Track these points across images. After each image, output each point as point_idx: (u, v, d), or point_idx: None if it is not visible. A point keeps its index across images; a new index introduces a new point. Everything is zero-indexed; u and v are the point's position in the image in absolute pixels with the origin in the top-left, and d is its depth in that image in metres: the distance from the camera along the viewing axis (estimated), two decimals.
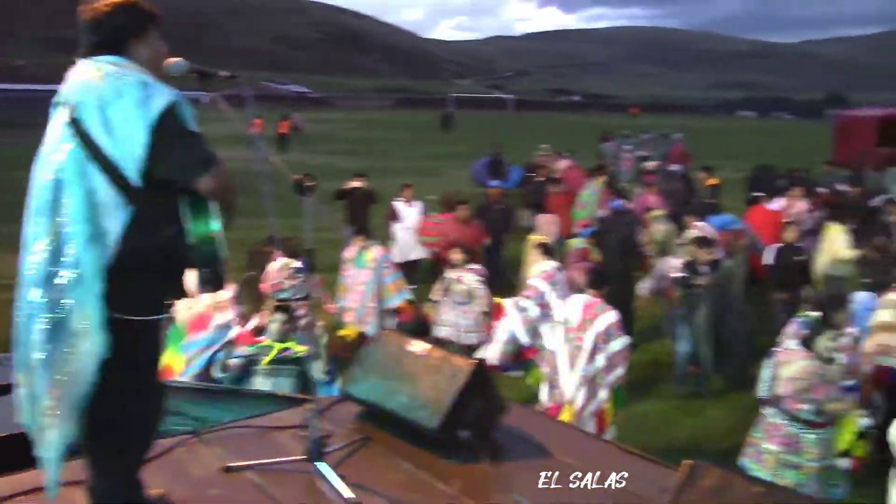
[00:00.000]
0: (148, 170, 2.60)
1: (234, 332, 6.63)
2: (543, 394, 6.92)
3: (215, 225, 2.78)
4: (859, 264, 9.80)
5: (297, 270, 5.86)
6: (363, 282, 9.32)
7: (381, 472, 3.42)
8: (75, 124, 2.64)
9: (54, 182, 2.63)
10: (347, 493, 3.10)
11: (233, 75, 3.09)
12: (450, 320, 8.83)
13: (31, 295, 2.63)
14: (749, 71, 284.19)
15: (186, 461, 3.44)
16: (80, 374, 2.59)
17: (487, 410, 3.65)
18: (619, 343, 6.71)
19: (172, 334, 6.60)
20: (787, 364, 5.54)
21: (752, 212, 12.51)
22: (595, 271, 7.59)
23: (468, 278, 8.81)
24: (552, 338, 6.91)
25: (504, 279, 11.72)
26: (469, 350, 7.94)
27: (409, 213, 12.60)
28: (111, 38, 2.78)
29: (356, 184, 13.36)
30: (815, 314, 5.75)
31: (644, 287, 10.08)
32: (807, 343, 5.57)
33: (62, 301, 2.58)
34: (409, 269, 12.40)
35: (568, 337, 6.72)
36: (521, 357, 8.09)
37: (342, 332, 9.18)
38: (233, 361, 5.72)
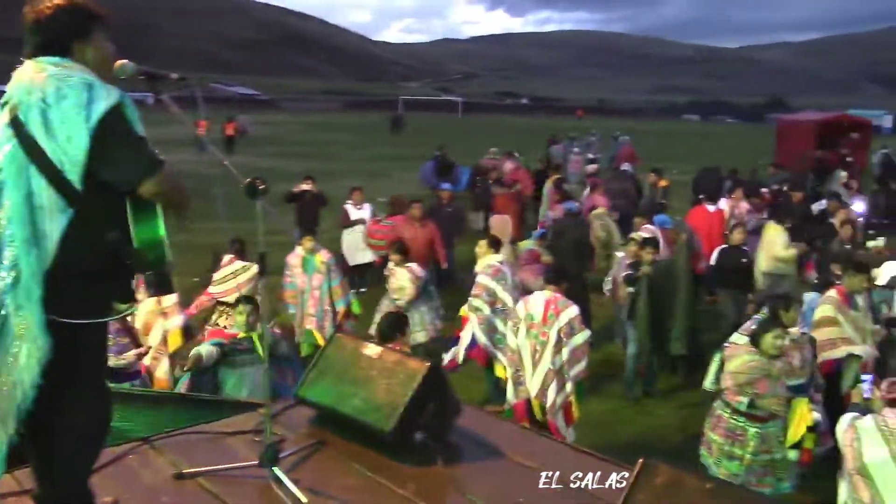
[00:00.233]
0: (90, 173, 2.56)
1: None
2: (510, 392, 7.03)
3: (161, 228, 2.74)
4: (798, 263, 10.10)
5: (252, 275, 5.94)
6: (316, 286, 9.17)
7: (335, 476, 3.41)
8: (17, 125, 2.59)
9: None
10: (301, 498, 3.08)
11: (183, 77, 3.05)
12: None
13: None
14: (692, 75, 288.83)
15: (137, 468, 3.39)
16: (21, 378, 2.54)
17: (442, 413, 3.66)
18: (581, 337, 6.90)
19: None
20: (732, 358, 5.73)
21: (692, 213, 12.75)
22: (553, 268, 7.73)
23: (400, 274, 8.92)
24: (514, 336, 7.02)
25: (455, 280, 11.75)
26: (416, 349, 7.92)
27: (358, 217, 12.54)
28: (55, 39, 2.72)
29: (306, 186, 13.28)
30: (764, 312, 5.91)
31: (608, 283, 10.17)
32: (753, 339, 5.73)
33: (0, 304, 2.53)
34: (358, 273, 12.38)
35: (531, 333, 6.86)
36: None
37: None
38: (206, 352, 5.79)
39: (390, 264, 9.17)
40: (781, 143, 32.31)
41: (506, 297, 7.92)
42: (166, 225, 2.77)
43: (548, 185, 14.19)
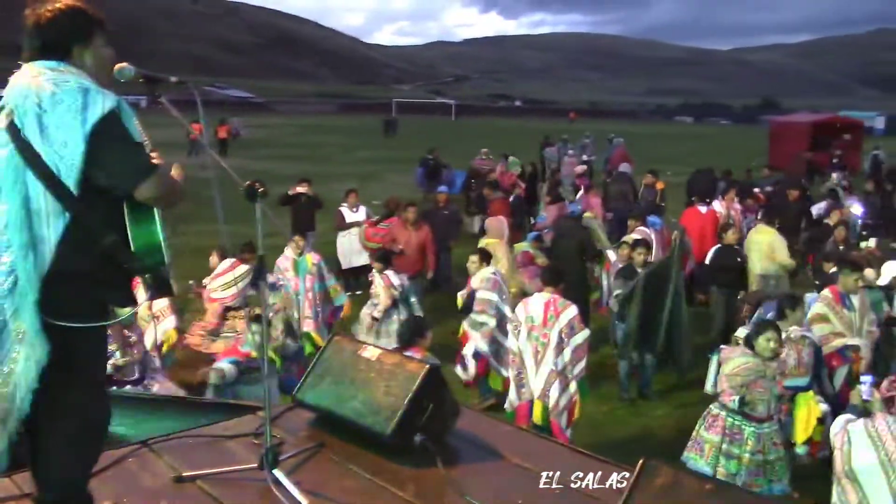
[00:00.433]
0: (86, 177, 2.56)
1: None
2: (512, 393, 7.12)
3: (159, 232, 2.74)
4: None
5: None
6: (310, 287, 9.21)
7: (334, 478, 3.41)
8: (13, 130, 2.60)
9: None
10: (302, 500, 3.08)
11: (182, 80, 3.06)
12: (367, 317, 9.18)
13: None
14: (685, 77, 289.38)
15: (137, 471, 3.38)
16: (19, 382, 2.55)
17: (441, 415, 3.66)
18: (581, 336, 7.05)
19: None
20: (727, 361, 5.81)
21: (685, 214, 12.82)
22: (550, 269, 7.79)
23: (377, 282, 9.13)
24: (515, 338, 7.10)
25: (451, 284, 11.76)
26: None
27: (353, 219, 12.55)
28: (54, 43, 2.73)
29: (301, 189, 13.27)
30: (760, 312, 5.97)
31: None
32: (749, 341, 5.79)
33: None
34: (353, 276, 12.39)
35: (532, 335, 6.97)
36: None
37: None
38: (227, 369, 5.84)
39: (374, 271, 9.33)
40: (775, 144, 32.51)
41: (506, 308, 8.00)
42: (164, 228, 2.78)
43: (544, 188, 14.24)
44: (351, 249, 12.43)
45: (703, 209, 12.43)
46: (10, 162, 2.58)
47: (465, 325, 8.29)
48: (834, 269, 8.82)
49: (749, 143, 42.45)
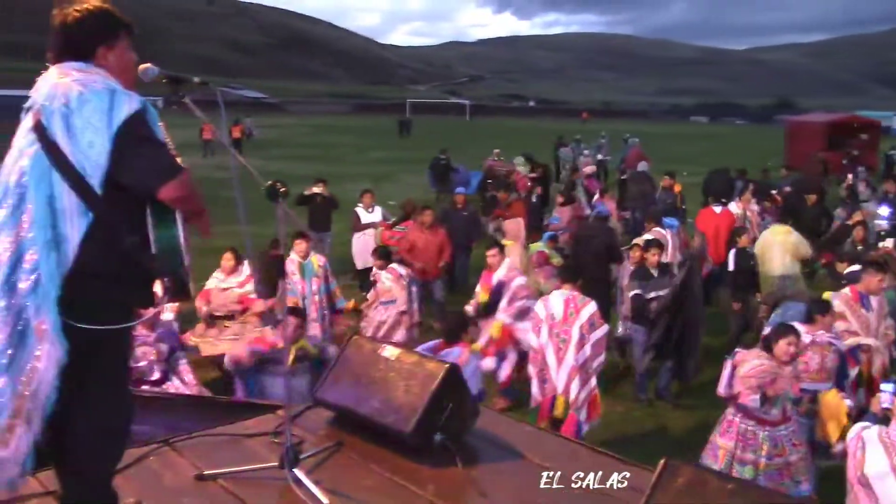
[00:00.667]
0: (110, 178, 2.58)
1: None
2: (534, 389, 7.24)
3: (179, 234, 2.75)
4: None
5: None
6: (316, 290, 9.13)
7: (355, 477, 3.42)
8: (40, 129, 2.62)
9: (17, 187, 2.60)
10: (322, 499, 3.09)
11: (205, 81, 3.08)
12: (374, 320, 9.22)
13: None
14: (699, 77, 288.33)
15: (159, 470, 3.41)
16: (42, 381, 2.56)
17: (460, 414, 3.67)
18: (601, 331, 7.23)
19: None
20: (742, 363, 5.76)
21: (701, 214, 12.80)
22: (567, 267, 7.87)
23: (384, 277, 9.19)
24: (536, 336, 7.22)
25: (467, 285, 11.76)
26: None
27: (369, 220, 12.58)
28: (81, 44, 2.75)
29: (317, 189, 13.30)
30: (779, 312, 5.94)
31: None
32: (766, 344, 5.76)
33: (21, 307, 2.55)
34: (367, 277, 12.39)
35: (553, 332, 7.12)
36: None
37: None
38: (245, 355, 5.90)
39: (374, 270, 9.37)
40: (791, 144, 32.32)
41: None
42: (187, 230, 2.79)
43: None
44: (366, 250, 12.41)
45: (717, 209, 12.39)
46: (37, 161, 2.60)
47: (503, 318, 8.24)
48: (849, 269, 8.79)
49: (764, 142, 42.30)
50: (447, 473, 3.44)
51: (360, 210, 12.72)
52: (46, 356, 2.55)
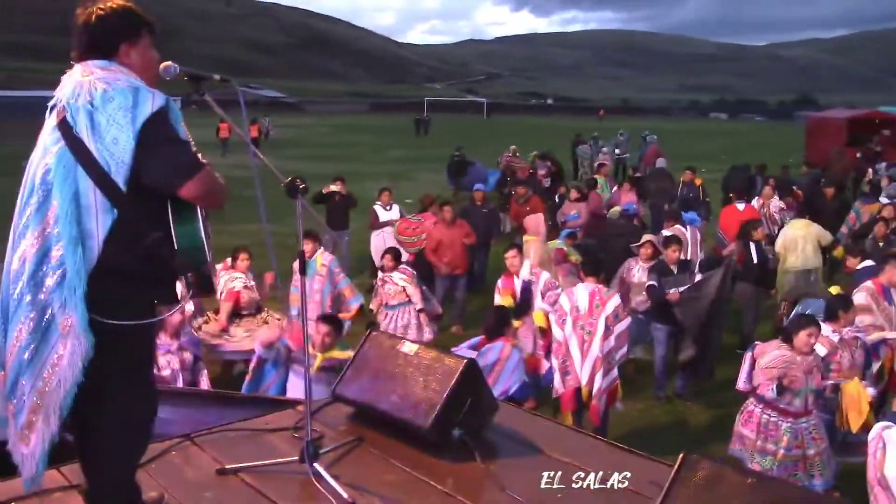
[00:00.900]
0: (134, 174, 2.61)
1: None
2: (557, 381, 7.28)
3: (202, 230, 2.78)
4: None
5: None
6: (317, 290, 9.02)
7: (374, 472, 3.44)
8: (65, 127, 2.65)
9: (43, 183, 2.64)
10: (342, 493, 3.11)
11: (226, 79, 3.10)
12: (384, 324, 9.11)
13: (17, 295, 2.63)
14: (718, 73, 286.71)
15: (181, 464, 3.44)
16: (63, 377, 2.59)
17: (479, 409, 3.68)
18: (624, 324, 7.32)
19: None
20: (763, 355, 5.81)
21: (724, 212, 12.76)
22: (590, 260, 7.94)
23: (397, 278, 9.15)
24: (560, 328, 7.27)
25: (485, 283, 11.76)
26: None
27: (387, 218, 12.59)
28: (104, 42, 2.78)
29: (335, 188, 13.33)
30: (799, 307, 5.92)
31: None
32: (786, 335, 5.76)
33: (47, 302, 2.58)
34: None
35: (577, 324, 7.18)
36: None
37: None
38: (275, 338, 5.92)
39: (381, 272, 9.32)
40: (811, 140, 32.07)
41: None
42: (209, 227, 2.82)
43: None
44: (385, 248, 12.44)
45: (741, 206, 12.33)
46: (62, 158, 2.63)
47: (543, 307, 8.24)
48: (862, 265, 8.71)
49: (784, 139, 41.99)
50: (466, 468, 3.45)
51: (377, 208, 12.74)
52: (70, 352, 2.57)
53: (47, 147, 2.69)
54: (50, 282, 2.58)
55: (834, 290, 7.55)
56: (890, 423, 4.34)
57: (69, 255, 2.57)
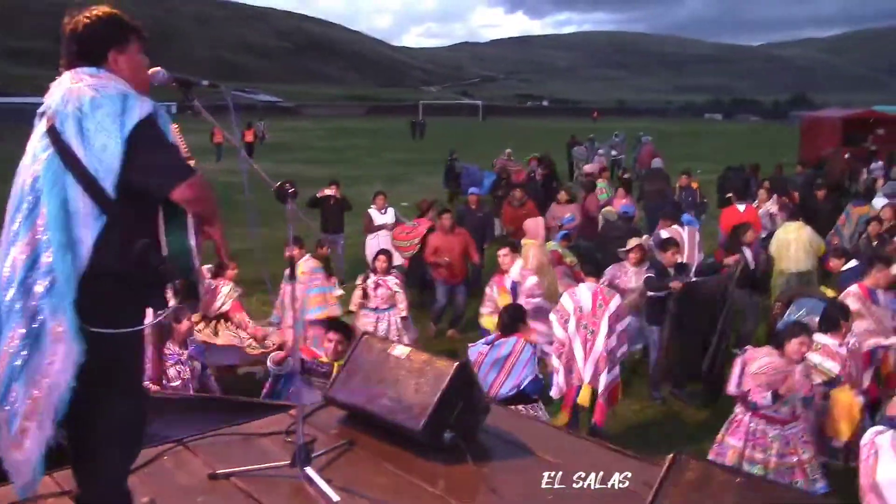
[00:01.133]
0: (123, 181, 2.61)
1: None
2: (560, 379, 7.37)
3: (190, 236, 2.79)
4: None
5: None
6: (298, 296, 8.89)
7: (366, 475, 3.44)
8: (54, 134, 2.65)
9: (32, 190, 2.64)
10: (333, 496, 3.12)
11: (215, 84, 3.11)
12: (367, 326, 8.93)
13: (8, 301, 2.63)
14: (713, 74, 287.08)
15: (173, 469, 3.45)
16: (55, 383, 2.58)
17: (471, 411, 3.69)
18: (625, 322, 7.52)
19: None
20: (752, 361, 5.75)
21: (724, 213, 12.74)
22: (590, 261, 8.14)
23: (392, 282, 9.10)
24: (563, 328, 7.38)
25: (479, 286, 11.76)
26: None
27: (382, 222, 12.59)
28: (92, 50, 2.79)
29: (329, 191, 13.33)
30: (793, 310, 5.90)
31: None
32: (777, 341, 5.73)
33: (37, 308, 2.58)
34: None
35: (581, 324, 7.31)
36: None
37: None
38: (282, 357, 5.90)
39: (373, 276, 9.16)
40: (806, 140, 32.14)
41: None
42: (199, 233, 2.83)
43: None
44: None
45: (741, 207, 12.32)
46: (51, 164, 2.63)
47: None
48: (846, 266, 8.70)
49: (779, 139, 42.04)
50: (458, 470, 3.46)
51: (372, 211, 12.74)
52: (62, 358, 2.57)
53: (36, 154, 2.69)
54: (40, 288, 2.58)
55: (828, 291, 7.54)
56: (882, 428, 4.29)
57: (58, 261, 2.57)
